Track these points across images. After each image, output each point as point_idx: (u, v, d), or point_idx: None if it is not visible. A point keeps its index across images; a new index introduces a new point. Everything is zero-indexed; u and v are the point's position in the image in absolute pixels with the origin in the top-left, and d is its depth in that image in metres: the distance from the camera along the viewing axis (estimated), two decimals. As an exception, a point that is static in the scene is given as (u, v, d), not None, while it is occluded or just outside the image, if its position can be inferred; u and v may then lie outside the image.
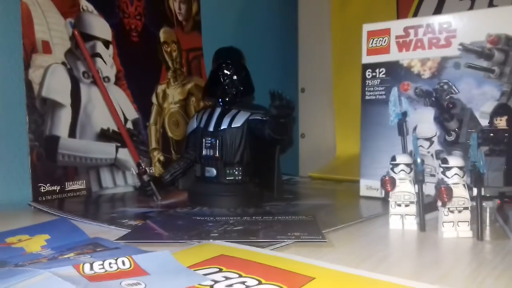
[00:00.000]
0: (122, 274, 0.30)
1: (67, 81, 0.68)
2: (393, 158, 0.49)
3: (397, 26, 0.64)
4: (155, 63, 0.82)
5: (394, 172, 0.48)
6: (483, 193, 0.44)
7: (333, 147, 1.05)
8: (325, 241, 0.41)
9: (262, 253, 0.36)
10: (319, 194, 0.75)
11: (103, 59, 0.72)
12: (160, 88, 0.82)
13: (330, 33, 1.06)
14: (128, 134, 0.64)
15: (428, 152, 0.62)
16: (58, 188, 0.65)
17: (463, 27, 0.59)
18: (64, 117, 0.67)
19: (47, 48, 0.65)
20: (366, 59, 0.66)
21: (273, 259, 0.34)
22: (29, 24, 0.63)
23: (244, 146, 0.60)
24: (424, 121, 0.62)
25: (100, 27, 0.73)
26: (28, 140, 0.62)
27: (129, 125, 0.76)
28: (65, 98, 0.67)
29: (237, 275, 0.31)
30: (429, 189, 0.48)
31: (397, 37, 0.64)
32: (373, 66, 0.66)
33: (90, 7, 0.71)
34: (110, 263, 0.31)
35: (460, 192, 0.44)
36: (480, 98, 0.58)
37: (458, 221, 0.44)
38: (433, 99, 0.61)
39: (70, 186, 0.66)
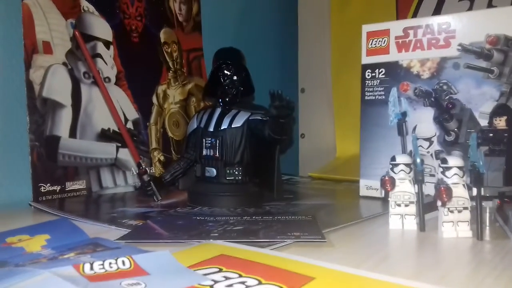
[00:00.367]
0: (122, 274, 0.30)
1: (68, 82, 0.68)
2: (393, 158, 0.49)
3: (396, 27, 0.64)
4: (155, 64, 0.82)
5: (394, 172, 0.48)
6: (482, 193, 0.44)
7: (333, 147, 1.05)
8: (325, 241, 0.41)
9: (262, 253, 0.36)
10: (319, 194, 0.75)
11: (103, 60, 0.73)
12: (161, 89, 0.82)
13: (330, 33, 1.06)
14: (129, 134, 0.64)
15: (428, 152, 0.62)
16: (58, 188, 0.65)
17: (462, 27, 0.59)
18: (65, 117, 0.67)
19: (48, 48, 0.65)
20: (366, 59, 0.66)
21: (273, 259, 0.34)
22: (30, 25, 0.63)
23: (244, 146, 0.60)
24: (423, 121, 0.62)
25: (100, 27, 0.73)
26: (29, 140, 0.62)
27: (130, 125, 0.76)
28: (65, 99, 0.67)
29: (237, 275, 0.31)
30: (429, 189, 0.48)
31: (396, 37, 0.64)
32: (373, 67, 0.66)
33: (91, 8, 0.72)
34: (110, 263, 0.31)
35: (460, 192, 0.44)
36: (479, 98, 0.58)
37: (458, 221, 0.44)
38: (433, 99, 0.61)
39: (71, 186, 0.66)
